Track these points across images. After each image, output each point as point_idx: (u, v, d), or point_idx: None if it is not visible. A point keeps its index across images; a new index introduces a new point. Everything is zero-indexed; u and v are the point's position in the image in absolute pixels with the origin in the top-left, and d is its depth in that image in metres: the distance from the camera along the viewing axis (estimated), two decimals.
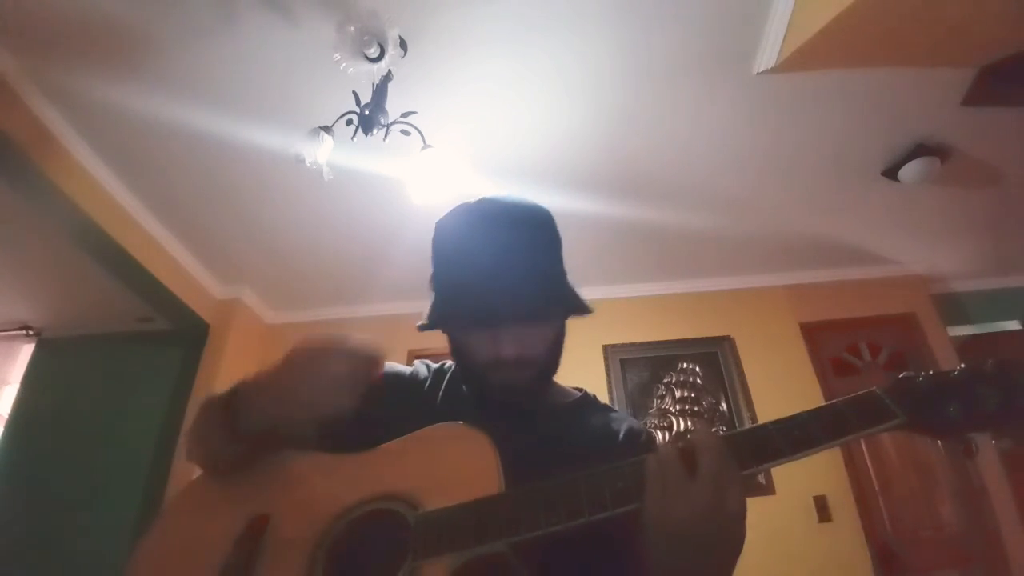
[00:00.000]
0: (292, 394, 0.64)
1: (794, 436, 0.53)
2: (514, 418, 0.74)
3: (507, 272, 0.70)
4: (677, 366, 3.17)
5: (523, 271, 0.71)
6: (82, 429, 3.03)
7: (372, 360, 0.68)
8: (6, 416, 3.27)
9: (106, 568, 2.33)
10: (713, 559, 0.52)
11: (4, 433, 3.19)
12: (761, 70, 2.04)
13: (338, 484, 0.66)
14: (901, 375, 0.56)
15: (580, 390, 0.87)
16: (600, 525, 0.53)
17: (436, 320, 0.75)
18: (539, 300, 0.72)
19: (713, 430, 0.54)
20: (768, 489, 2.77)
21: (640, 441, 0.77)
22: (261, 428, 0.66)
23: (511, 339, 0.70)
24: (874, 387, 0.55)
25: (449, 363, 0.85)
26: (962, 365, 0.54)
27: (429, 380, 0.83)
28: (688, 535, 0.50)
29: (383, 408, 0.74)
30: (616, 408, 0.87)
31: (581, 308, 0.76)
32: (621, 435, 0.77)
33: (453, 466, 0.62)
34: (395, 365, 0.85)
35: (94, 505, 2.81)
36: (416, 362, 0.87)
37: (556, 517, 0.53)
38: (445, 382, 0.82)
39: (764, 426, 0.55)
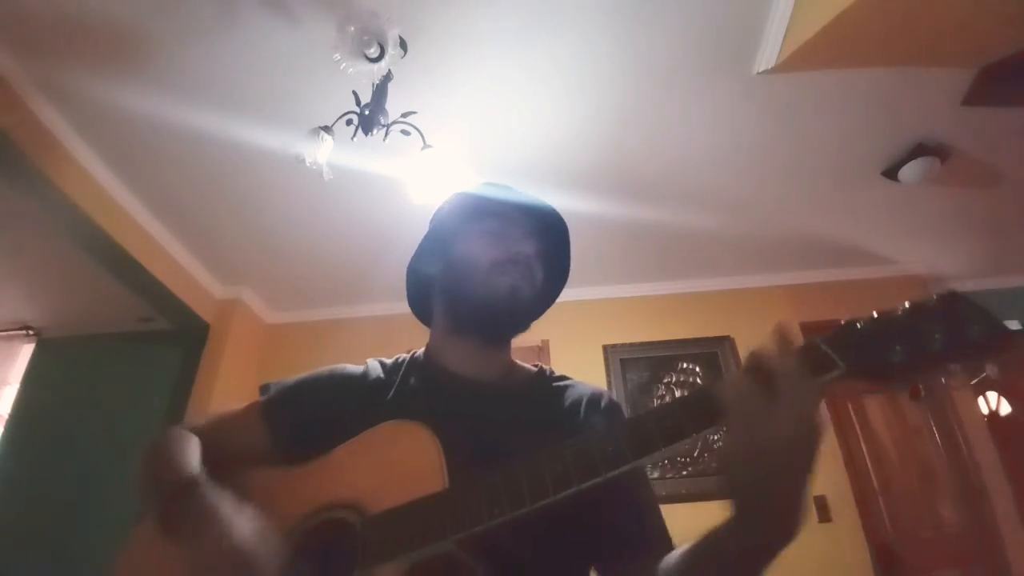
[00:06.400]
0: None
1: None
2: (471, 397, 0.76)
3: (533, 206, 0.85)
4: (677, 366, 3.16)
5: (544, 212, 0.85)
6: (82, 429, 3.02)
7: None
8: (6, 416, 3.27)
9: (105, 568, 2.32)
10: (801, 477, 0.49)
11: (4, 433, 3.19)
12: (761, 70, 2.04)
13: (284, 501, 0.65)
14: (844, 321, 0.53)
15: (537, 366, 0.87)
16: (545, 513, 0.52)
17: (458, 217, 0.85)
18: (556, 233, 0.85)
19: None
20: None
21: (602, 407, 0.77)
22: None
23: (527, 239, 0.80)
24: (816, 337, 0.52)
25: (404, 356, 0.86)
26: (906, 304, 0.51)
27: (383, 376, 0.82)
28: (776, 458, 0.48)
29: (334, 412, 0.74)
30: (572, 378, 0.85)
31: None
32: (584, 404, 0.77)
33: (397, 466, 0.62)
34: (346, 366, 0.84)
35: (94, 505, 2.80)
36: (369, 360, 0.85)
37: (498, 510, 0.53)
38: (400, 375, 0.81)
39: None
